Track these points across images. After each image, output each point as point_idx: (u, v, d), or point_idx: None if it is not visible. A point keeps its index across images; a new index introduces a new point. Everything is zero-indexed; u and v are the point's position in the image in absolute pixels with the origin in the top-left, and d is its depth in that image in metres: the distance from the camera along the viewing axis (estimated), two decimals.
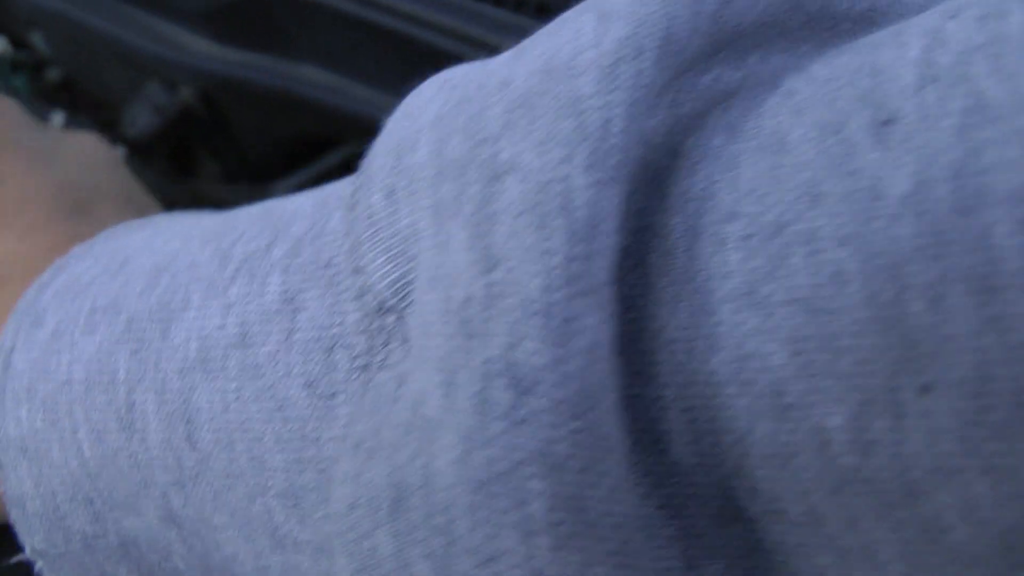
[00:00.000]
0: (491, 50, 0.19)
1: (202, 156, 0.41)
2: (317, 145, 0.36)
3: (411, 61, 0.32)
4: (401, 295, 0.17)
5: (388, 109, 0.20)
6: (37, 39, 0.42)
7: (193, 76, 0.37)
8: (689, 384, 0.15)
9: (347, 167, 0.23)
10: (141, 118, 0.38)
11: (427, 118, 0.17)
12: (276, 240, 0.20)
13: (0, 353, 0.22)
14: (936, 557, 0.14)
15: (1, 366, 0.22)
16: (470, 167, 0.16)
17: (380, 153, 0.18)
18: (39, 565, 0.21)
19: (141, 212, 0.28)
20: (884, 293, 0.13)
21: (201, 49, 0.37)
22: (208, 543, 0.19)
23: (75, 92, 0.44)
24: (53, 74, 0.43)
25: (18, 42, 0.43)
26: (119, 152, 0.32)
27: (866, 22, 0.18)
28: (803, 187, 0.14)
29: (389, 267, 0.17)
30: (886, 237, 0.13)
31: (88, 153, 0.31)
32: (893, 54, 0.15)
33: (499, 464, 0.14)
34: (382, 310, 0.17)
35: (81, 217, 0.27)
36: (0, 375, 0.22)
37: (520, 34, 0.18)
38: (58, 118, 0.40)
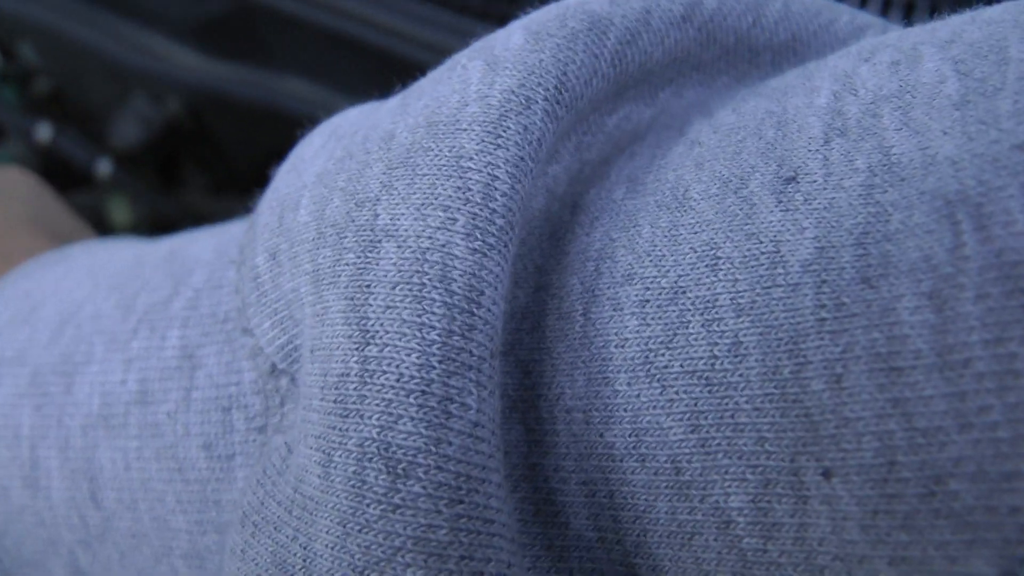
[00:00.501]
0: None
1: (189, 167, 0.41)
2: None
3: (392, 75, 0.32)
4: (290, 359, 0.17)
5: None
6: (26, 50, 0.42)
7: (179, 88, 0.37)
8: (587, 456, 0.15)
9: None
10: (128, 130, 0.38)
11: (311, 174, 0.17)
12: (177, 291, 0.19)
13: None
14: None
15: None
16: (347, 231, 0.15)
17: (265, 210, 0.18)
18: None
19: (56, 237, 0.27)
20: (783, 368, 0.13)
21: (188, 62, 0.37)
22: None
23: (63, 103, 0.44)
24: (41, 85, 0.44)
25: (7, 53, 0.44)
26: (34, 180, 0.31)
27: (788, 52, 0.17)
28: (702, 249, 0.14)
29: (276, 332, 0.17)
30: (786, 308, 0.13)
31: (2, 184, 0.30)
32: (802, 101, 0.14)
33: (376, 551, 0.14)
34: (274, 372, 0.17)
35: None
36: None
37: None
38: (45, 129, 0.41)
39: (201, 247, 0.20)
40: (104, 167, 0.40)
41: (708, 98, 0.16)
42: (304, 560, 0.15)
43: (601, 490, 0.15)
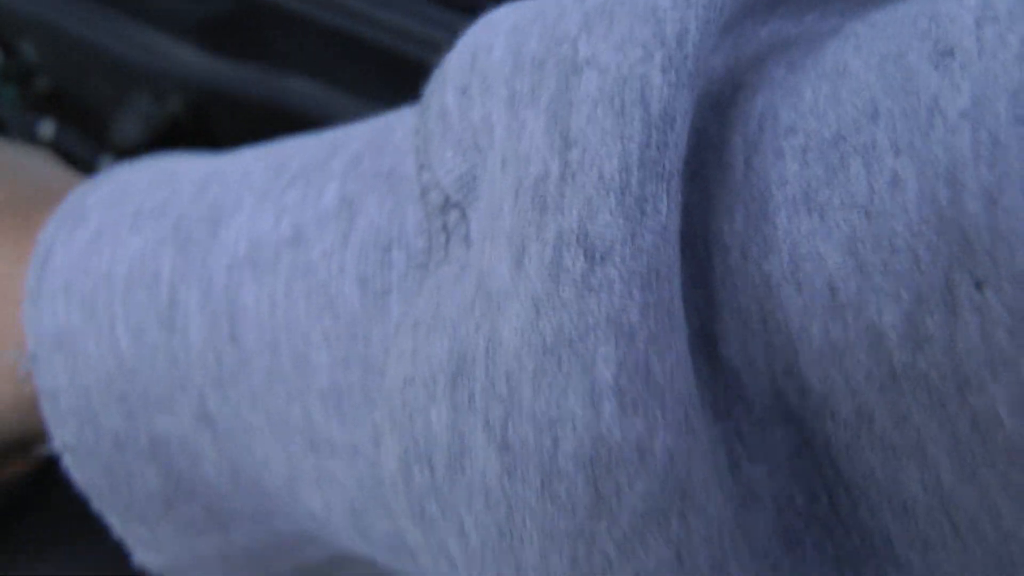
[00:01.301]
0: None
1: None
2: None
3: (397, 74, 0.32)
4: (467, 190, 0.17)
5: None
6: (27, 48, 0.42)
7: (181, 87, 0.37)
8: (743, 286, 0.15)
9: None
10: (130, 128, 0.38)
11: (504, 26, 0.18)
12: (335, 154, 0.20)
13: (39, 249, 0.22)
14: (984, 453, 0.14)
15: (40, 263, 0.22)
16: (548, 62, 0.16)
17: (455, 57, 0.18)
18: (67, 459, 0.21)
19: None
20: (940, 195, 0.14)
21: (189, 60, 0.37)
22: (240, 446, 0.19)
23: (64, 101, 0.44)
24: (42, 83, 0.44)
25: (7, 51, 0.43)
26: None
27: None
28: (862, 105, 0.15)
29: (457, 160, 0.18)
30: (944, 146, 0.14)
31: None
32: (952, 3, 0.15)
33: (568, 329, 0.14)
34: (446, 206, 0.18)
35: None
36: (38, 272, 0.22)
37: None
38: (48, 127, 0.41)
39: (355, 128, 0.21)
40: (106, 165, 0.40)
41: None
42: (487, 347, 0.15)
43: (754, 317, 0.15)
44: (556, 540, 0.15)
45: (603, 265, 0.14)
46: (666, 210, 0.15)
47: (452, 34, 0.31)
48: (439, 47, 0.31)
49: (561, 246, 0.15)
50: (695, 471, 0.14)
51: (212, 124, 0.38)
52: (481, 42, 0.18)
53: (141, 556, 0.22)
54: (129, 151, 0.39)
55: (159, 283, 0.20)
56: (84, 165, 0.40)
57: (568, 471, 0.14)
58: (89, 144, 0.41)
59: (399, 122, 0.20)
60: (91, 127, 0.42)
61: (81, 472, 0.21)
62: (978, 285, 0.13)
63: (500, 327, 0.15)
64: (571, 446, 0.14)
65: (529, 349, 0.15)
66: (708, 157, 0.16)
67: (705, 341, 0.16)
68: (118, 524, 0.22)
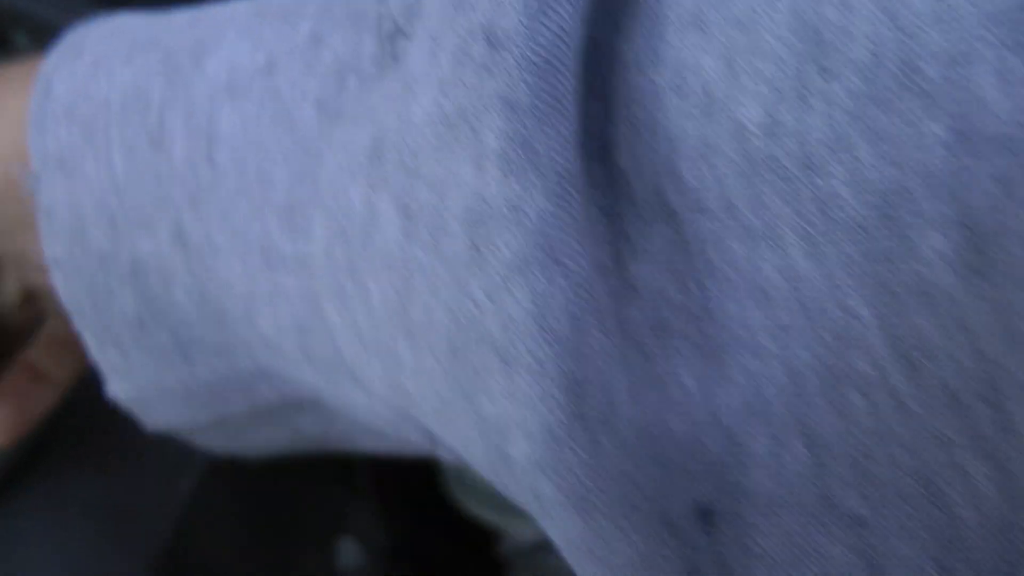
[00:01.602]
0: None
1: None
2: None
3: None
4: (411, 14, 0.19)
5: None
6: (20, 38, 0.43)
7: None
8: (636, 97, 0.17)
9: None
10: None
11: None
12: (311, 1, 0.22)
13: (41, 79, 0.24)
14: (828, 232, 0.15)
15: (42, 91, 0.24)
16: None
17: None
18: (55, 275, 0.23)
19: None
20: (803, 6, 0.15)
21: None
22: (208, 268, 0.21)
23: None
24: None
25: (2, 42, 0.44)
26: None
27: None
28: None
29: None
30: None
31: None
32: None
33: (466, 105, 0.16)
34: (395, 33, 0.19)
35: None
36: (40, 98, 0.23)
37: None
38: None
39: None
40: None
41: None
42: (399, 126, 0.18)
43: (643, 125, 0.17)
44: (439, 293, 0.17)
45: (502, 51, 0.16)
46: (567, 16, 0.16)
47: None
48: None
49: (468, 37, 0.17)
50: (563, 234, 0.16)
51: None
52: None
53: (114, 387, 0.25)
54: None
55: (149, 108, 0.22)
56: None
57: (453, 228, 0.16)
58: None
59: None
60: None
61: (67, 288, 0.23)
62: (825, 73, 0.15)
63: (412, 108, 0.17)
64: (457, 205, 0.16)
65: (432, 124, 0.17)
66: None
67: (601, 148, 0.17)
68: (95, 347, 0.24)
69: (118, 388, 0.25)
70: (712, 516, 0.16)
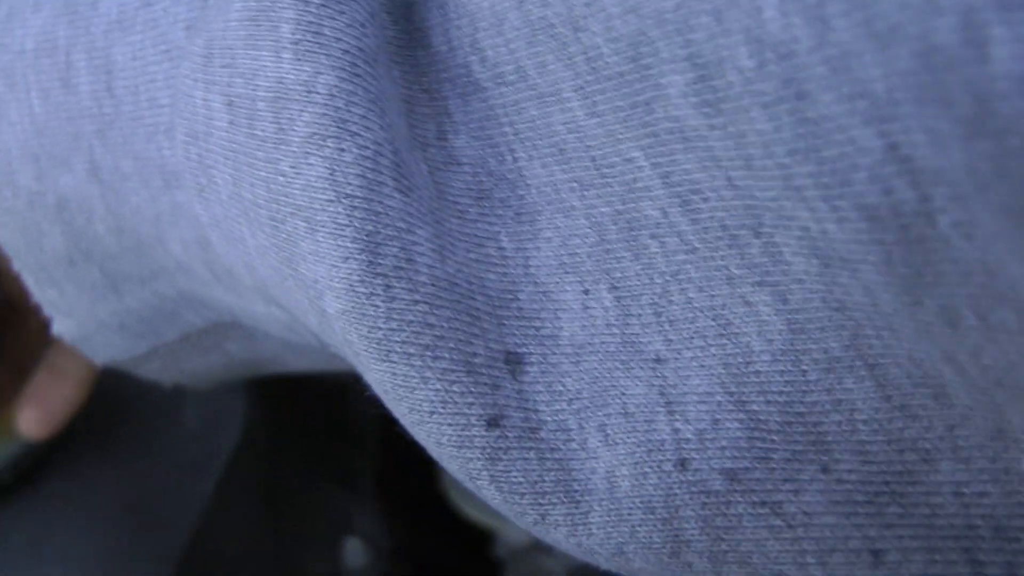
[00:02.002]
0: None
1: None
2: None
3: None
4: None
5: None
6: None
7: None
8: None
9: None
10: None
11: None
12: None
13: None
14: (598, 83, 0.17)
15: None
16: None
17: None
18: None
19: None
20: None
21: None
22: (120, 197, 0.23)
23: None
24: None
25: None
26: None
27: None
28: None
29: None
30: None
31: None
32: None
33: (266, 2, 0.18)
34: None
35: None
36: None
37: None
38: None
39: None
40: None
41: None
42: (222, 29, 0.19)
43: (448, 5, 0.19)
44: (258, 171, 0.19)
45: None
46: None
47: None
48: None
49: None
50: (354, 107, 0.17)
51: None
52: None
53: (58, 325, 0.26)
54: None
55: (57, 50, 0.23)
56: None
57: (263, 112, 0.18)
58: None
59: None
60: None
61: (2, 230, 0.24)
62: None
63: (230, 12, 0.19)
64: (264, 91, 0.18)
65: (242, 22, 0.19)
66: None
67: (421, 33, 0.19)
68: (34, 287, 0.25)
69: (61, 326, 0.26)
70: (520, 362, 0.17)
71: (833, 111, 0.13)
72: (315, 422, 0.50)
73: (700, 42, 0.14)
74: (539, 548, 0.49)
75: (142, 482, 0.39)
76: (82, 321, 0.25)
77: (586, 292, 0.17)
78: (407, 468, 0.51)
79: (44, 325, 0.29)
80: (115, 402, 0.40)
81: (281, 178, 0.18)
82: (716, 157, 0.15)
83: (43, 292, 0.25)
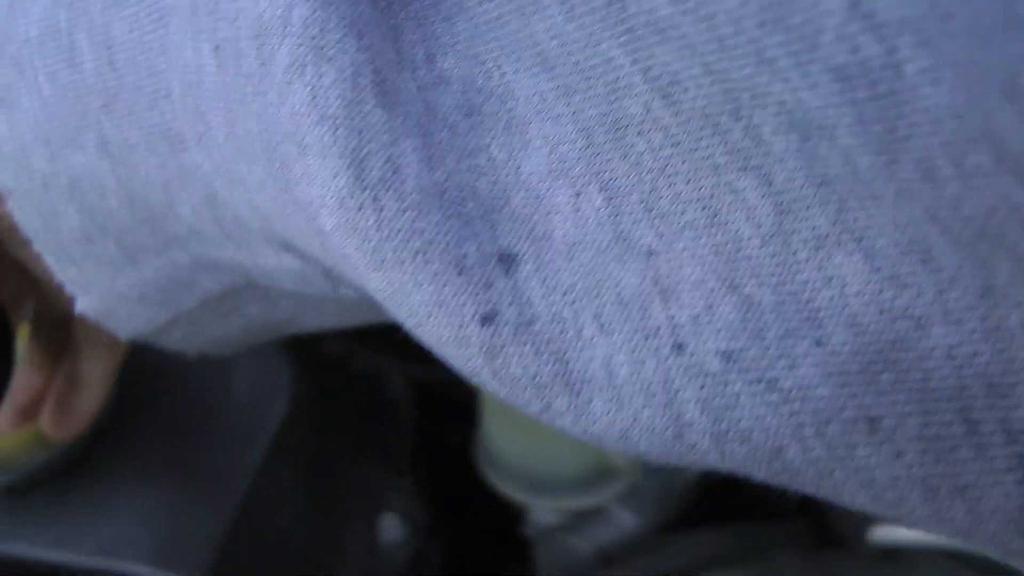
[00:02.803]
0: None
1: None
2: None
3: None
4: None
5: None
6: None
7: None
8: None
9: None
10: None
11: None
12: None
13: None
14: None
15: None
16: None
17: None
18: (10, 203, 0.25)
19: None
20: None
21: None
22: (131, 169, 0.23)
23: None
24: None
25: None
26: None
27: None
28: None
29: None
30: None
31: None
32: None
33: None
34: None
35: None
36: None
37: None
38: None
39: None
40: None
41: None
42: None
43: None
44: (248, 106, 0.19)
45: None
46: None
47: None
48: None
49: None
50: (330, 34, 0.18)
51: None
52: None
53: (81, 302, 0.26)
54: None
55: (59, 34, 0.24)
56: None
57: (247, 50, 0.19)
58: None
59: None
60: None
61: (21, 214, 0.25)
62: None
63: None
64: (246, 30, 0.19)
65: None
66: None
67: None
68: (55, 265, 0.26)
69: (84, 303, 0.26)
70: (514, 260, 0.18)
71: None
72: (356, 404, 0.52)
73: None
74: (567, 528, 0.50)
75: (195, 450, 0.40)
76: (103, 296, 0.26)
77: (577, 194, 0.18)
78: (442, 449, 0.53)
79: (63, 340, 0.31)
80: (169, 376, 0.43)
81: (271, 109, 0.19)
82: (691, 44, 0.16)
83: (64, 271, 0.26)
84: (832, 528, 0.50)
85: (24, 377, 0.31)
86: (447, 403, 0.53)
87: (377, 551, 0.46)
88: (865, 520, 0.47)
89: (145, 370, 0.43)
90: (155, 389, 0.42)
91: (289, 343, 0.46)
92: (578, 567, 0.50)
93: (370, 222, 0.18)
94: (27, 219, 0.25)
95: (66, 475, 0.39)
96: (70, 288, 0.26)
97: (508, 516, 0.53)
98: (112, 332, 0.27)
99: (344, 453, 0.48)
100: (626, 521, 0.51)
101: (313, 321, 0.27)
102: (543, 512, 0.51)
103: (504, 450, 0.50)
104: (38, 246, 0.25)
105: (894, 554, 0.44)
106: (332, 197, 0.18)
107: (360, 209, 0.18)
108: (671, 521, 0.52)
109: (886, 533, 0.45)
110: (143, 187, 0.23)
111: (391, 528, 0.47)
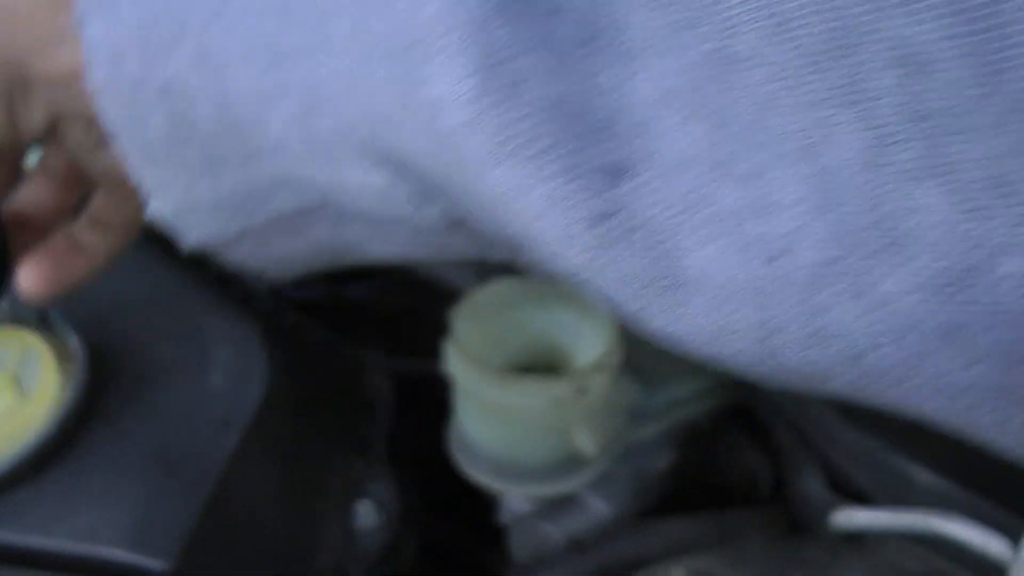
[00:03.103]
0: None
1: None
2: None
3: None
4: None
5: None
6: None
7: None
8: None
9: None
10: None
11: None
12: None
13: None
14: None
15: None
16: None
17: None
18: (100, 100, 0.25)
19: None
20: None
21: None
22: (224, 79, 0.24)
23: None
24: None
25: None
26: None
27: None
28: None
29: None
30: None
31: None
32: None
33: None
34: None
35: None
36: None
37: None
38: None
39: None
40: None
41: None
42: None
43: None
44: (381, 14, 0.21)
45: None
46: None
47: None
48: None
49: None
50: None
51: None
52: None
53: (155, 202, 0.27)
54: None
55: None
56: None
57: None
58: None
59: None
60: None
61: (108, 111, 0.25)
62: None
63: None
64: None
65: None
66: None
67: None
68: (136, 165, 0.26)
69: (159, 204, 0.27)
70: (620, 175, 0.19)
71: None
72: (332, 392, 0.52)
73: None
74: (540, 515, 0.51)
75: (171, 435, 0.41)
76: (178, 201, 0.26)
77: (683, 122, 0.18)
78: (417, 438, 0.54)
79: (68, 204, 0.32)
80: (145, 362, 0.43)
81: (401, 15, 0.20)
82: None
83: (144, 171, 0.26)
84: (796, 514, 0.51)
85: (31, 191, 0.32)
86: (422, 394, 0.54)
87: (352, 538, 0.46)
88: (827, 506, 0.48)
89: (122, 356, 0.43)
90: (131, 375, 0.43)
91: (266, 330, 0.46)
92: (551, 554, 0.51)
93: (495, 122, 0.19)
94: (115, 117, 0.25)
95: (41, 463, 0.39)
96: (147, 188, 0.27)
97: (482, 504, 0.53)
98: (180, 239, 0.28)
99: (320, 440, 0.49)
100: (599, 509, 0.51)
101: (379, 249, 0.27)
102: (516, 500, 0.52)
103: (476, 439, 0.51)
104: (120, 144, 0.26)
105: (857, 539, 0.45)
106: (464, 95, 0.19)
107: (488, 108, 0.19)
108: (644, 509, 0.52)
109: (847, 518, 0.46)
110: (234, 98, 0.24)
111: (366, 515, 0.47)
